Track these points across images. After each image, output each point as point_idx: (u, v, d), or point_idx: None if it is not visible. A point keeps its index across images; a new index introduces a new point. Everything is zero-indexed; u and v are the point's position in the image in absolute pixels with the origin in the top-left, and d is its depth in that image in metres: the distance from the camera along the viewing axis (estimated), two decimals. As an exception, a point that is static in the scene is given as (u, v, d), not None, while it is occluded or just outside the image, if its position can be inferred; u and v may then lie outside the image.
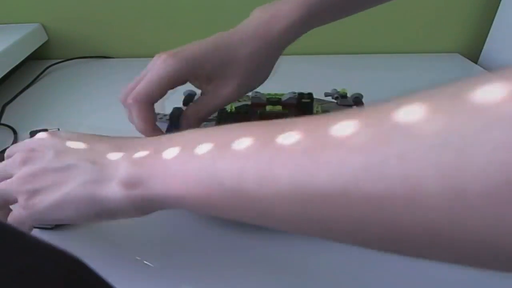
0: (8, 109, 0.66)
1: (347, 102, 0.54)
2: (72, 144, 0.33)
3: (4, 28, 0.81)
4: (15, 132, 0.58)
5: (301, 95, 0.50)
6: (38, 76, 0.78)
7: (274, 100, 0.51)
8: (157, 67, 0.36)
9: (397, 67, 0.79)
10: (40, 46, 0.84)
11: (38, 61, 0.85)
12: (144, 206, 0.28)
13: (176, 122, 0.45)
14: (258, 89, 0.48)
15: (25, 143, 0.35)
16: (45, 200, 0.30)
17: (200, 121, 0.40)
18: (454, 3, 0.80)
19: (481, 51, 0.86)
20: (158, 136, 0.31)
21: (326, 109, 0.51)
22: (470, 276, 0.35)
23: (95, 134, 0.36)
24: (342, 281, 0.35)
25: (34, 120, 0.62)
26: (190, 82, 0.39)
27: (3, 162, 0.35)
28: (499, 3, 0.80)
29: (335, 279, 0.35)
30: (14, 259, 0.17)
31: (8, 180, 0.32)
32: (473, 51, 0.87)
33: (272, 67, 0.40)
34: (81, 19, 0.85)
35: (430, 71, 0.78)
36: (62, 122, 0.60)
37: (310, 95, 0.50)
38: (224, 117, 0.50)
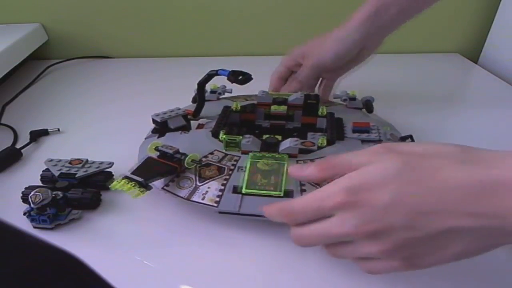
0: (8, 109, 0.66)
1: (356, 104, 0.54)
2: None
3: (4, 28, 0.81)
4: (15, 132, 0.58)
5: (307, 96, 0.50)
6: (38, 76, 0.78)
7: (280, 100, 0.51)
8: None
9: (398, 67, 0.79)
10: (40, 46, 0.84)
11: (38, 61, 0.85)
12: None
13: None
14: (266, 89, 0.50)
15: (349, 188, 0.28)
16: (435, 259, 0.28)
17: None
18: (454, 3, 0.80)
19: (481, 51, 0.86)
20: None
21: (331, 110, 0.51)
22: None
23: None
24: (342, 281, 0.35)
25: (34, 120, 0.62)
26: None
27: (320, 195, 0.29)
28: (499, 3, 0.80)
29: (335, 278, 0.35)
30: (14, 259, 0.17)
31: (359, 251, 0.29)
32: (473, 51, 0.87)
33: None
34: (81, 19, 0.85)
35: (430, 71, 0.78)
36: (62, 122, 0.60)
37: (316, 96, 0.50)
38: (228, 115, 0.50)
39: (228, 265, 0.37)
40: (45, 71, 0.81)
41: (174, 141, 0.46)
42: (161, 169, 0.40)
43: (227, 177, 0.40)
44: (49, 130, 0.58)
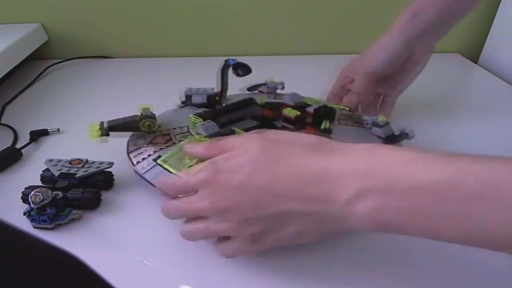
0: (8, 109, 0.66)
1: (381, 133, 0.47)
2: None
3: (4, 28, 0.81)
4: (15, 132, 0.58)
5: (323, 107, 0.49)
6: (38, 76, 0.78)
7: (300, 105, 0.50)
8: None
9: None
10: (40, 46, 0.84)
11: (38, 61, 0.85)
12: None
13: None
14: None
15: (215, 166, 0.33)
16: (275, 238, 0.32)
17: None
18: None
19: (481, 51, 0.86)
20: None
21: (339, 127, 0.49)
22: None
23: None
24: (342, 280, 0.35)
25: (34, 120, 0.62)
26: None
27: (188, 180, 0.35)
28: (499, 3, 0.80)
29: (335, 278, 0.36)
30: (14, 259, 0.17)
31: (217, 227, 0.33)
32: (473, 51, 0.87)
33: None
34: (81, 19, 0.85)
35: (430, 71, 0.78)
36: (62, 122, 0.60)
37: (330, 109, 0.49)
38: (243, 106, 0.51)
39: (228, 265, 0.37)
40: (45, 71, 0.81)
41: (180, 114, 0.51)
42: (126, 125, 0.45)
43: (165, 147, 0.44)
44: (49, 130, 0.58)
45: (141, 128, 0.46)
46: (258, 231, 0.31)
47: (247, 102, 0.52)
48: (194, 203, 0.33)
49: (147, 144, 0.45)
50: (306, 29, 0.86)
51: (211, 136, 0.43)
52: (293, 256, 0.38)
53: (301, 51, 0.87)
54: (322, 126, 0.47)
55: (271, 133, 0.34)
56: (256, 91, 0.58)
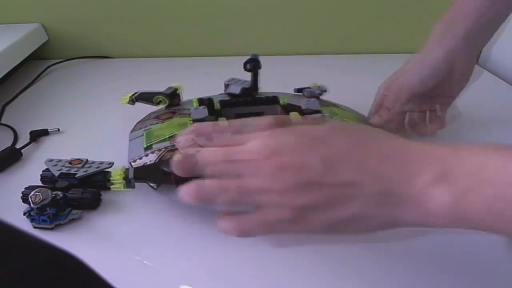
0: (8, 109, 0.66)
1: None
2: (340, 152, 0.28)
3: (4, 28, 0.81)
4: (15, 132, 0.58)
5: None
6: (38, 76, 0.78)
7: (308, 112, 0.50)
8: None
9: (397, 67, 0.78)
10: (40, 46, 0.84)
11: (38, 61, 0.85)
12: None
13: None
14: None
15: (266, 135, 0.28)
16: (326, 218, 0.27)
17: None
18: (454, 3, 0.80)
19: (481, 51, 0.86)
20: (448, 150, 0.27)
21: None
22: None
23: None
24: (341, 281, 0.35)
25: (34, 120, 0.62)
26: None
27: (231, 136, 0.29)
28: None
29: (335, 278, 0.36)
30: (15, 259, 0.17)
31: (258, 184, 0.27)
32: (473, 51, 0.87)
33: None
34: (81, 19, 0.85)
35: (430, 71, 0.78)
36: (62, 122, 0.60)
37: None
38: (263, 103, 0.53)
39: (228, 265, 0.37)
40: (45, 71, 0.80)
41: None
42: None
43: (161, 122, 0.50)
44: (49, 130, 0.58)
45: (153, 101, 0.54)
46: (312, 203, 0.27)
47: (270, 100, 0.53)
48: (248, 152, 0.28)
49: (153, 118, 0.52)
50: (307, 29, 0.86)
51: (195, 120, 0.47)
52: (294, 258, 0.38)
53: (302, 51, 0.87)
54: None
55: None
56: (301, 93, 0.58)
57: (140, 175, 0.42)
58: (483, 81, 0.77)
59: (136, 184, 0.42)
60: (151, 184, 0.42)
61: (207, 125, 0.32)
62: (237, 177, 0.28)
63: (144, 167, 0.43)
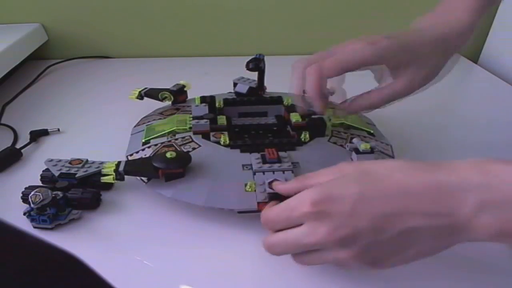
0: (8, 109, 0.66)
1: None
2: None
3: (4, 28, 0.81)
4: (15, 132, 0.58)
5: (315, 121, 0.48)
6: (38, 76, 0.78)
7: (308, 114, 0.49)
8: (355, 51, 0.40)
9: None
10: (40, 46, 0.84)
11: (38, 61, 0.85)
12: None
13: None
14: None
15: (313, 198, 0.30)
16: (398, 259, 0.30)
17: (371, 107, 0.44)
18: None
19: (481, 51, 0.86)
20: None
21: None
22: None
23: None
24: (342, 280, 0.35)
25: (34, 120, 0.62)
26: (371, 70, 0.43)
27: (291, 210, 0.31)
28: (499, 3, 0.80)
29: (335, 277, 0.36)
30: (15, 259, 0.17)
31: (323, 258, 0.31)
32: (473, 51, 0.87)
33: (439, 71, 0.44)
34: (81, 19, 0.85)
35: (430, 71, 0.78)
36: (62, 122, 0.60)
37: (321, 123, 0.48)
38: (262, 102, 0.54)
39: (228, 265, 0.37)
40: (45, 71, 0.81)
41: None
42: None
43: (163, 117, 0.52)
44: (49, 130, 0.58)
45: (159, 97, 0.56)
46: (380, 255, 0.29)
47: (273, 100, 0.54)
48: (306, 238, 0.30)
49: (158, 114, 0.54)
50: (307, 29, 0.86)
51: (195, 117, 0.48)
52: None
53: (302, 51, 0.87)
54: (302, 137, 0.46)
55: (356, 161, 0.33)
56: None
57: (130, 169, 0.42)
58: (483, 81, 0.77)
59: (137, 184, 0.42)
60: (142, 179, 0.43)
61: (266, 216, 0.33)
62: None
63: (135, 160, 0.44)
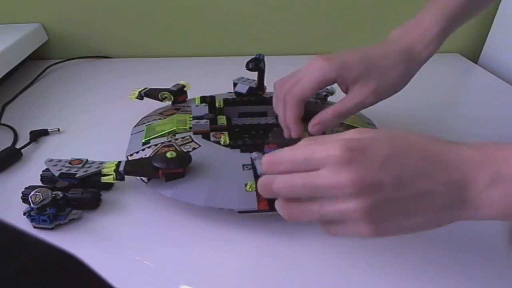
0: (8, 109, 0.66)
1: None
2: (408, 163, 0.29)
3: (4, 28, 0.81)
4: (15, 132, 0.58)
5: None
6: (38, 76, 0.78)
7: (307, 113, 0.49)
8: (315, 71, 0.42)
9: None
10: (40, 46, 0.84)
11: (38, 61, 0.85)
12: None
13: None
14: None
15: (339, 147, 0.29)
16: (396, 226, 0.29)
17: (338, 119, 0.44)
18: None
19: (481, 51, 0.86)
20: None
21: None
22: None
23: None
24: (342, 280, 0.35)
25: (34, 120, 0.62)
26: (338, 83, 0.43)
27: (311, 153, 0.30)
28: (499, 3, 0.80)
29: (335, 277, 0.36)
30: (15, 259, 0.17)
31: (337, 207, 0.29)
32: (473, 51, 0.87)
33: (410, 78, 0.45)
34: (81, 19, 0.85)
35: (430, 71, 0.78)
36: (62, 122, 0.60)
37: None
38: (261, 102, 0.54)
39: (228, 265, 0.37)
40: (45, 71, 0.81)
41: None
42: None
43: (163, 118, 0.53)
44: (49, 130, 0.58)
45: (158, 97, 0.56)
46: (388, 214, 0.29)
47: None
48: (323, 179, 0.29)
49: (158, 114, 0.54)
50: (306, 29, 0.86)
51: (195, 117, 0.49)
52: (294, 257, 0.38)
53: (302, 51, 0.87)
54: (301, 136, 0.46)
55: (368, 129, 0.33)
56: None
57: (130, 169, 0.42)
58: (483, 81, 0.77)
59: (137, 184, 0.42)
60: (142, 179, 0.43)
61: (279, 155, 0.32)
62: (314, 199, 0.30)
63: (136, 161, 0.44)
